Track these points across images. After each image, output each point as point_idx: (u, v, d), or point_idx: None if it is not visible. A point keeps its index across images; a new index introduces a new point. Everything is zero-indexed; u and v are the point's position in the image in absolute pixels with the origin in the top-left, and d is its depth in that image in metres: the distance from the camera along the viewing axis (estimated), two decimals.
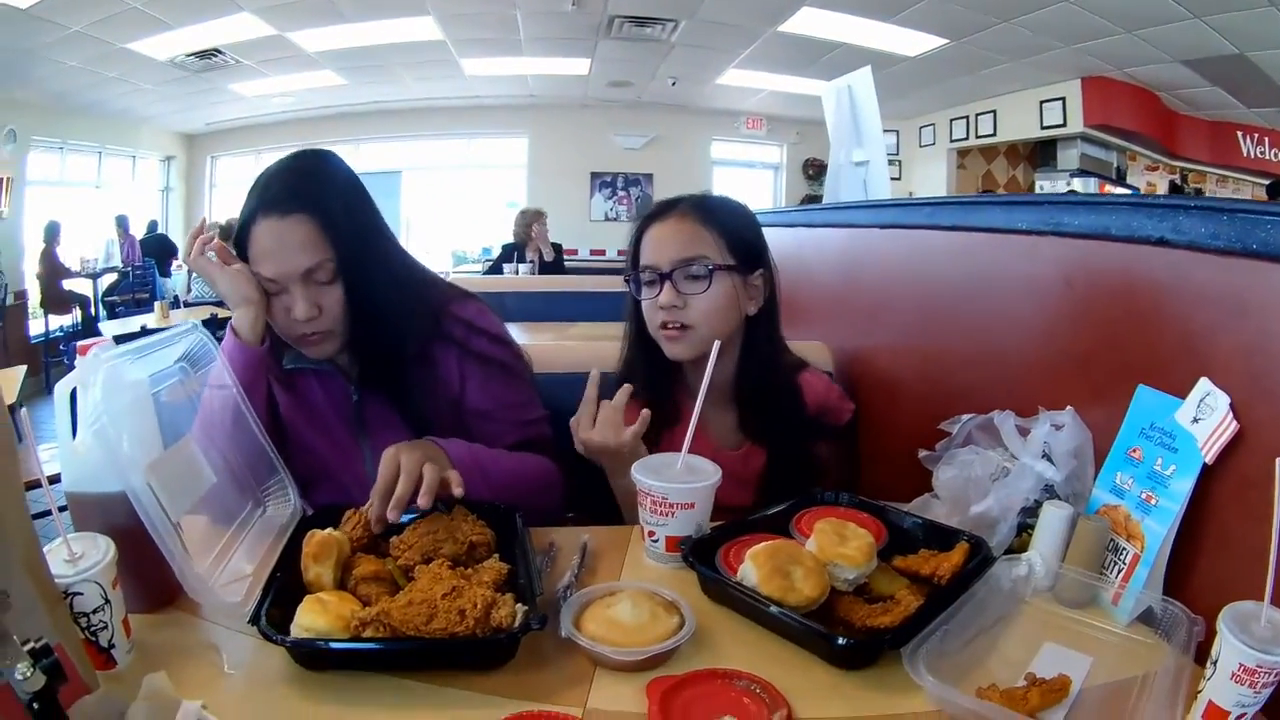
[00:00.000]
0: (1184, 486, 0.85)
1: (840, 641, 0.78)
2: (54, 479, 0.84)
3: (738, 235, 1.24)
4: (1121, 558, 0.89)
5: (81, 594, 0.74)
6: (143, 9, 4.92)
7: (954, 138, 8.19)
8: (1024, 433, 1.03)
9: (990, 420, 1.09)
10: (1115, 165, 7.79)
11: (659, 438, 1.25)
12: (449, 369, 1.21)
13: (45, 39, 5.16)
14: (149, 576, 0.82)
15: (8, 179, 6.62)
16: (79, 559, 0.75)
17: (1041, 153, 8.27)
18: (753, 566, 0.87)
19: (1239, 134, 6.74)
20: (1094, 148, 7.52)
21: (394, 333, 1.16)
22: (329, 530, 0.90)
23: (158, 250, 7.87)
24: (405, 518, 0.99)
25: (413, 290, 1.20)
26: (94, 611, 0.75)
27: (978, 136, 7.94)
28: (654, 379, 1.28)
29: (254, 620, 0.76)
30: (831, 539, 0.91)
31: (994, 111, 7.60)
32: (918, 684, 0.71)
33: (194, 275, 5.33)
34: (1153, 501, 0.88)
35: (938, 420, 1.17)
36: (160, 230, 8.44)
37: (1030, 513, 0.99)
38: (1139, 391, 0.93)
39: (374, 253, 1.15)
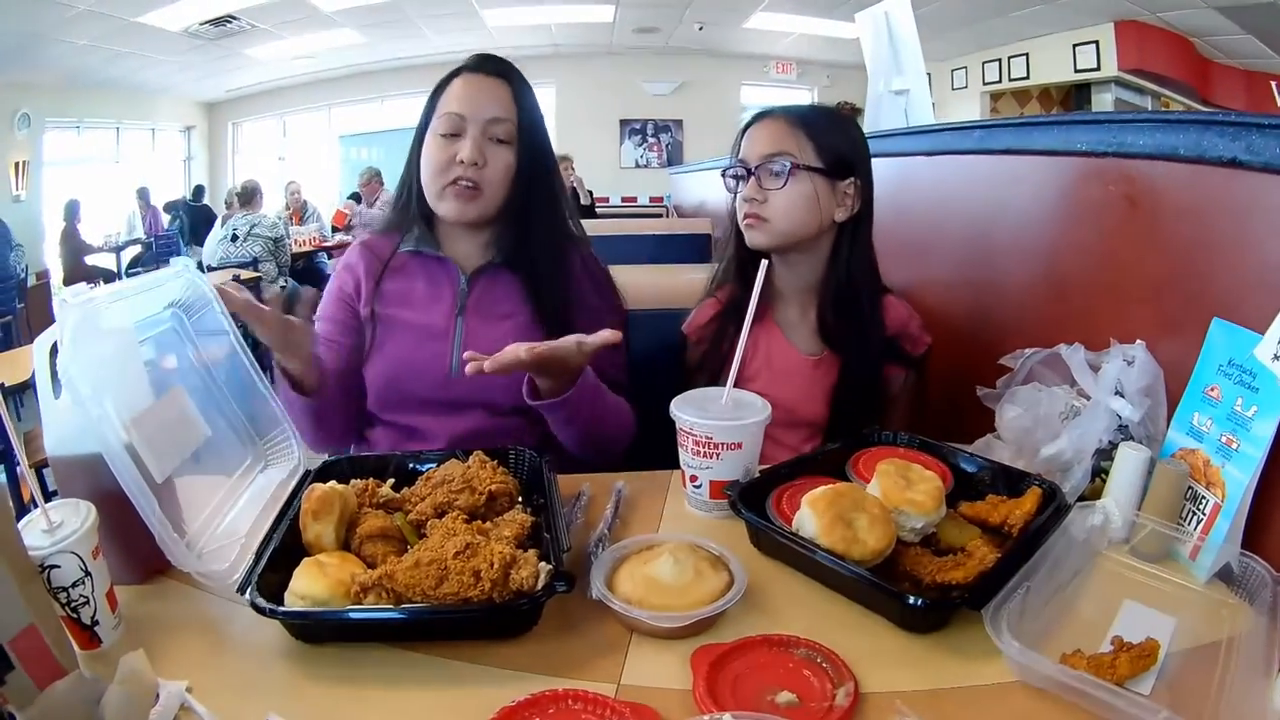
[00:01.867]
0: (1267, 430, 0.75)
1: (913, 602, 0.68)
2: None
3: (829, 141, 1.24)
4: (1201, 507, 0.80)
5: (59, 566, 0.65)
6: None
7: (987, 81, 8.08)
8: (1094, 368, 0.95)
9: (1055, 354, 1.00)
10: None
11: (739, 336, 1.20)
12: (576, 270, 1.26)
13: (53, 19, 5.09)
14: (137, 544, 0.73)
15: (24, 162, 6.66)
16: (57, 528, 0.66)
17: (1075, 97, 8.08)
18: (811, 514, 0.76)
19: (1274, 85, 6.46)
20: (1128, 93, 7.32)
21: (547, 213, 1.23)
22: (331, 484, 0.81)
23: (204, 217, 7.68)
24: (423, 467, 0.92)
25: (561, 198, 1.28)
26: (73, 585, 0.66)
27: (1010, 80, 7.84)
28: (747, 273, 1.28)
29: (243, 588, 0.67)
30: (897, 482, 0.80)
31: (1026, 54, 7.51)
32: (995, 648, 0.63)
33: (220, 239, 5.27)
34: (1234, 446, 0.78)
35: (995, 356, 1.08)
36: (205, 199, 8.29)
37: (1104, 455, 0.90)
38: (1214, 325, 0.84)
39: (545, 149, 1.23)
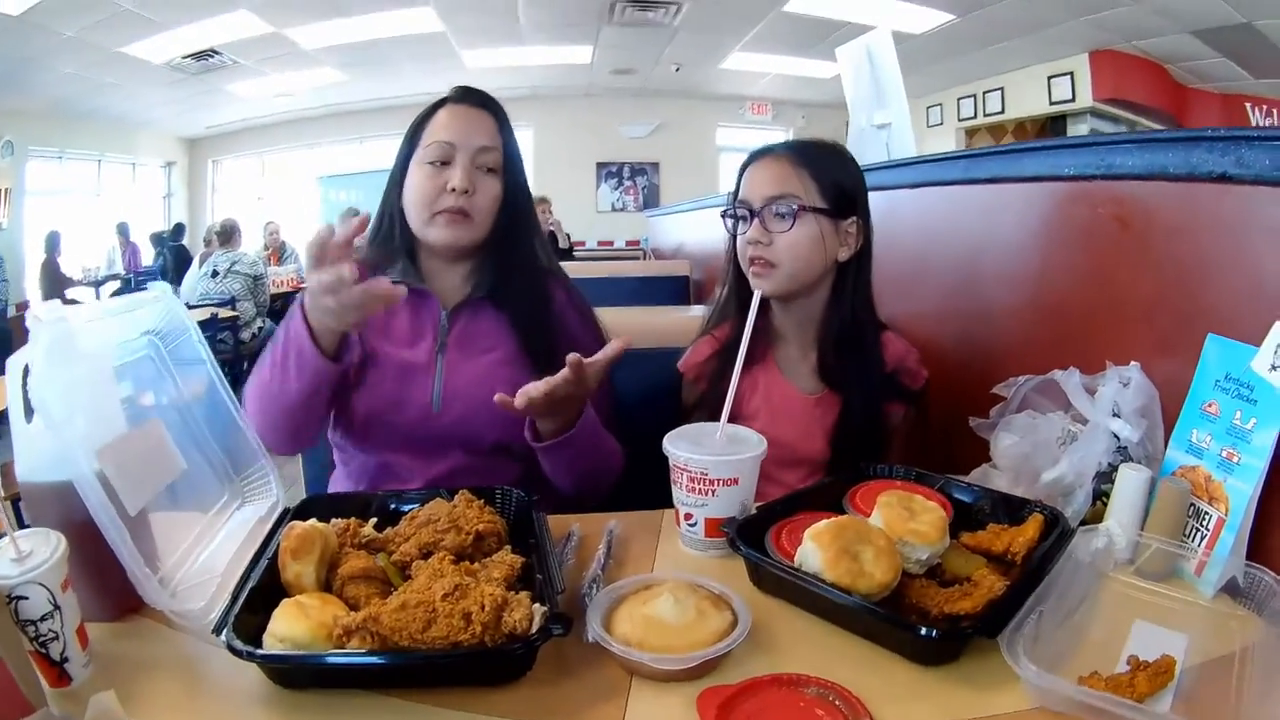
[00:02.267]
0: (1267, 440, 0.75)
1: (926, 634, 0.65)
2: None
3: (832, 180, 1.21)
4: (1204, 523, 0.80)
5: (26, 598, 0.62)
6: (136, 10, 4.81)
7: (962, 116, 8.05)
8: (1089, 391, 0.94)
9: (1048, 381, 0.99)
10: None
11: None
12: (560, 303, 1.25)
13: (39, 46, 5.08)
14: (110, 579, 0.68)
15: (6, 190, 6.59)
16: (26, 558, 0.62)
17: (1051, 130, 8.12)
18: (815, 548, 0.73)
19: (1248, 106, 6.56)
20: (1104, 123, 7.31)
21: (527, 246, 1.23)
22: (312, 522, 0.77)
23: (181, 258, 7.46)
24: (406, 507, 0.88)
25: (539, 232, 1.28)
26: (41, 619, 0.62)
27: (986, 115, 7.80)
28: (746, 311, 1.23)
29: (218, 630, 0.63)
30: (899, 513, 0.78)
31: (1001, 89, 7.46)
32: (1009, 677, 0.61)
33: (201, 275, 5.18)
34: (1235, 459, 0.78)
35: (987, 385, 1.07)
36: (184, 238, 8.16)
37: (1104, 478, 0.89)
38: (1209, 341, 0.84)
39: (525, 182, 1.23)
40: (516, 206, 1.19)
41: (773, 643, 0.70)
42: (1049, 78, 6.86)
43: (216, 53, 5.94)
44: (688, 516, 0.89)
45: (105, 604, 0.72)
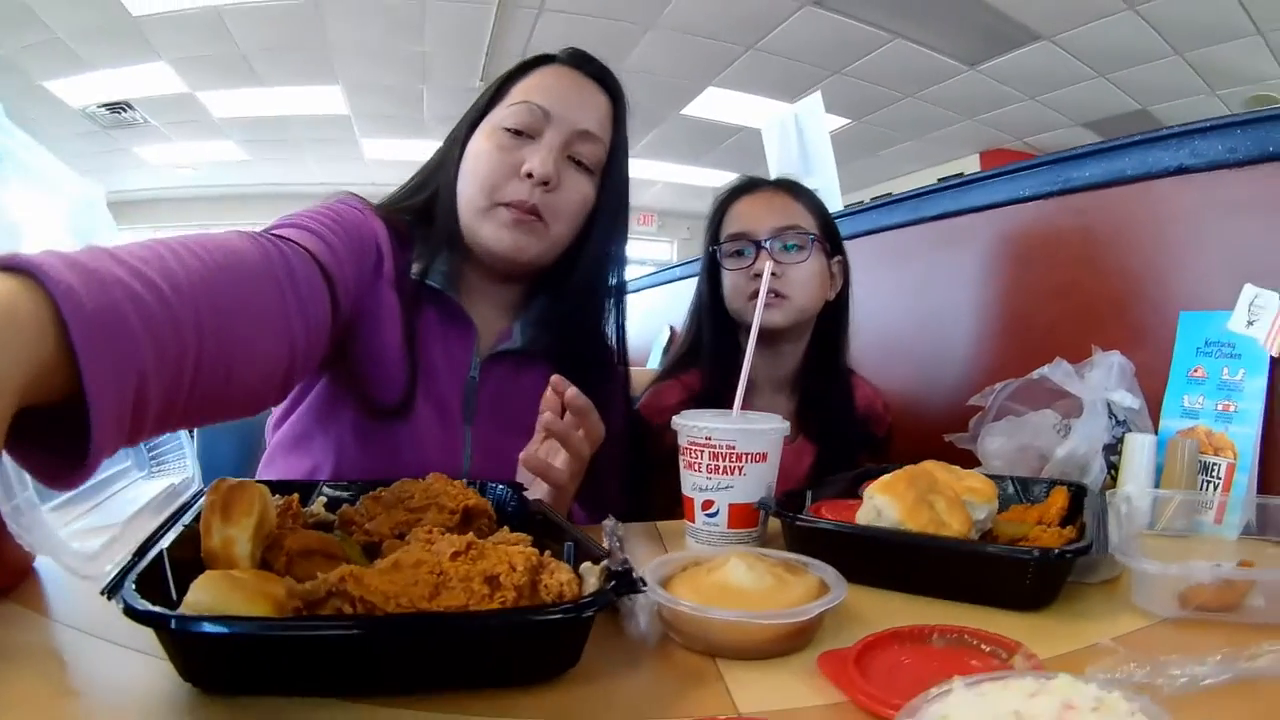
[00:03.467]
0: (1259, 384, 0.79)
1: (1042, 555, 0.53)
2: None
3: (824, 216, 1.11)
4: (1214, 474, 0.81)
5: None
6: (65, 40, 4.34)
7: None
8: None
9: (1026, 383, 0.94)
10: None
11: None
12: (619, 371, 0.96)
13: None
14: None
15: None
16: None
17: None
18: (890, 500, 0.59)
19: None
20: None
21: (608, 284, 0.90)
22: (249, 479, 0.53)
23: None
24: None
25: (624, 273, 0.95)
26: None
27: None
28: (722, 363, 1.06)
29: (113, 591, 0.38)
30: (948, 475, 0.65)
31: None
32: (1109, 611, 0.55)
33: None
34: (1232, 409, 0.81)
35: (944, 417, 1.06)
36: None
37: (1110, 450, 0.86)
38: (1181, 318, 0.86)
39: (627, 199, 0.90)
40: (610, 230, 0.86)
41: (853, 618, 0.52)
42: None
43: (130, 106, 5.41)
44: (706, 505, 0.70)
45: None
